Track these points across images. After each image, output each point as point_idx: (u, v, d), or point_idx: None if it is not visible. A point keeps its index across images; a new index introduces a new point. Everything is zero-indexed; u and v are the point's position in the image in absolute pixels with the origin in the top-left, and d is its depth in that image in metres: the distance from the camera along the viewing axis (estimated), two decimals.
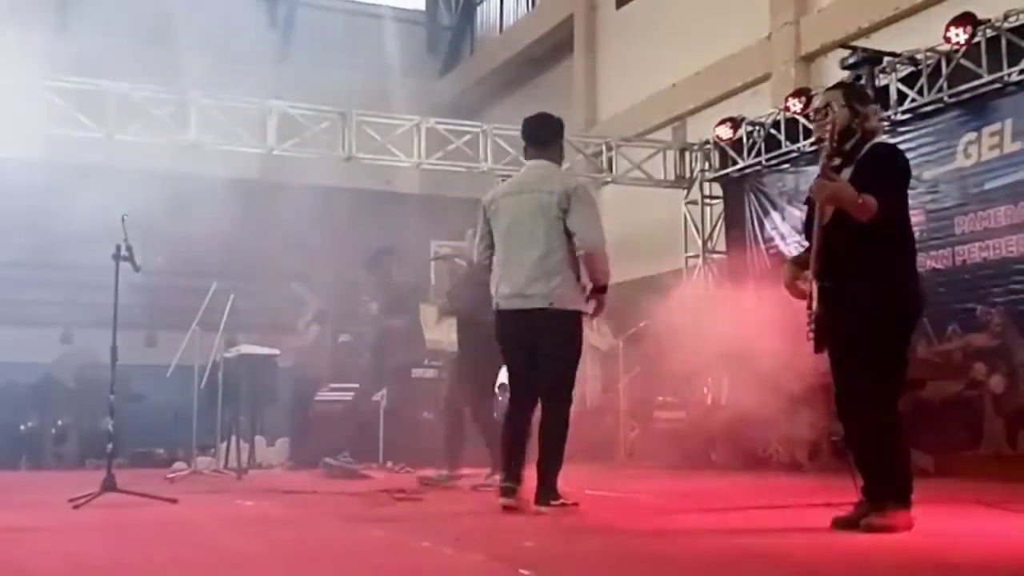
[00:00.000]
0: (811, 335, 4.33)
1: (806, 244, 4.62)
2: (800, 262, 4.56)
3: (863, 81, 9.17)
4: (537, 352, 5.53)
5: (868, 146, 4.44)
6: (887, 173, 4.34)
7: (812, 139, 10.21)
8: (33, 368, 12.83)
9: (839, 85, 4.91)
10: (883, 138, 4.73)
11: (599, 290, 5.56)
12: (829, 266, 4.29)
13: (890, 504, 4.16)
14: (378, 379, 9.70)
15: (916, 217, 4.53)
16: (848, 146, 4.39)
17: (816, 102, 4.68)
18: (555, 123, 5.89)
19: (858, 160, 4.38)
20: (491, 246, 5.66)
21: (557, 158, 5.82)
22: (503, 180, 12.61)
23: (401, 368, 9.41)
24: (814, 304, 4.32)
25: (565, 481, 5.55)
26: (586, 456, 11.85)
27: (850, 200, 4.15)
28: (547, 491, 5.41)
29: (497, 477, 6.41)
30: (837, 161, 4.35)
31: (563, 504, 5.43)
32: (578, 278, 5.52)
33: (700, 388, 11.40)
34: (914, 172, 5.62)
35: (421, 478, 7.80)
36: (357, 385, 10.16)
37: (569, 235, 5.43)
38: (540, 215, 5.45)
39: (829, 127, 4.32)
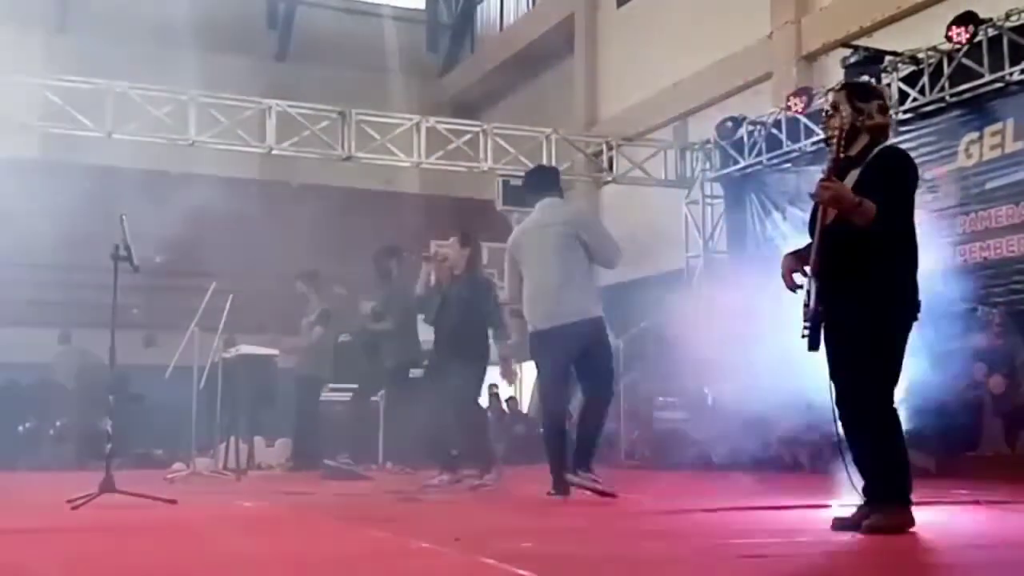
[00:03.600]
0: (806, 333, 4.31)
1: (808, 241, 4.60)
2: (800, 255, 4.54)
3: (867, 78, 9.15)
4: (590, 355, 6.24)
5: (877, 148, 4.40)
6: (896, 181, 4.31)
7: (819, 139, 10.21)
8: (32, 368, 12.81)
9: (844, 85, 4.87)
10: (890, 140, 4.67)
11: None
12: (830, 265, 4.27)
13: (891, 504, 4.15)
14: (375, 380, 9.65)
15: (916, 217, 4.49)
16: (856, 148, 4.35)
17: (824, 103, 4.65)
18: (554, 171, 7.18)
19: (867, 162, 4.35)
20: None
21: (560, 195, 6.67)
22: (503, 180, 12.77)
23: (397, 369, 9.38)
24: (811, 302, 4.31)
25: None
26: None
27: (850, 205, 4.14)
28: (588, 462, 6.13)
29: (492, 476, 6.94)
30: (846, 153, 4.31)
31: (594, 480, 6.07)
32: None
33: (700, 388, 11.39)
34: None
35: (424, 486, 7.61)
36: (356, 386, 10.12)
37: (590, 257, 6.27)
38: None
39: (836, 130, 4.28)
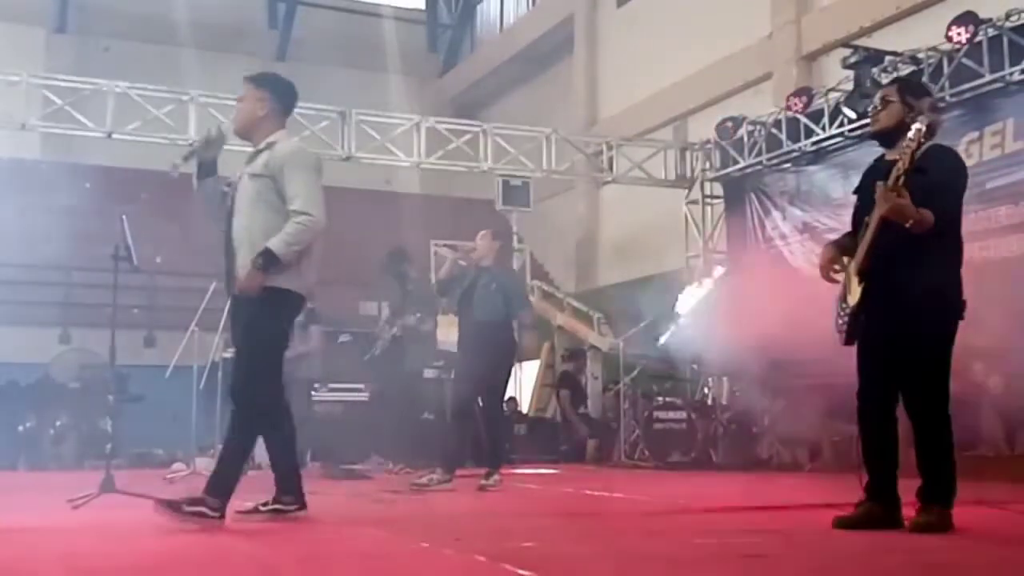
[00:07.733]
0: (843, 328, 4.26)
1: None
2: (840, 246, 4.48)
3: (867, 83, 9.15)
4: None
5: (927, 147, 4.29)
6: (953, 186, 4.27)
7: (818, 139, 10.20)
8: (32, 368, 12.80)
9: (894, 80, 4.82)
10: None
11: None
12: (878, 264, 4.21)
13: (939, 504, 4.14)
14: (390, 381, 9.64)
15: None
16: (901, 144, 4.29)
17: (875, 99, 4.52)
18: None
19: (919, 161, 4.28)
20: None
21: None
22: (503, 180, 12.73)
23: (415, 370, 9.38)
24: (849, 298, 4.26)
25: (567, 482, 5.53)
26: (586, 456, 11.87)
27: (909, 217, 4.07)
28: None
29: (497, 477, 6.69)
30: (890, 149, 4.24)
31: None
32: None
33: (700, 388, 11.40)
34: None
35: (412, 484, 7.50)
36: (362, 386, 10.11)
37: None
38: None
39: (911, 142, 4.12)
